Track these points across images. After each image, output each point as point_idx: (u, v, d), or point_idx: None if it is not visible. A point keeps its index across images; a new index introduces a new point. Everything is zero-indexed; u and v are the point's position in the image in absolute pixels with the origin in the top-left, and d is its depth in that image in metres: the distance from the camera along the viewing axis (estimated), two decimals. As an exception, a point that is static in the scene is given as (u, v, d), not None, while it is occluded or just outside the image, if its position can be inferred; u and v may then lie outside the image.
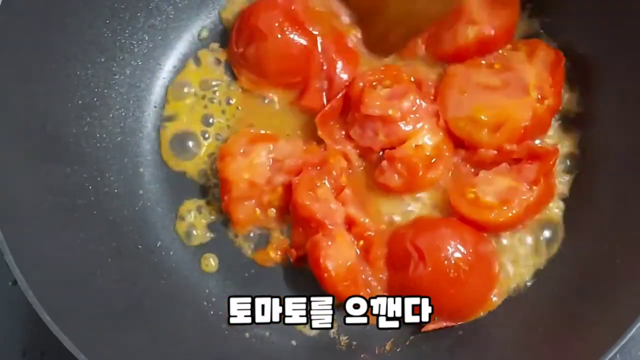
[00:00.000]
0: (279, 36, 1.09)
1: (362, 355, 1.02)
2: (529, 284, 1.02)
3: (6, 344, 1.09)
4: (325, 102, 1.10)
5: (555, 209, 1.04)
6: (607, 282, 0.91)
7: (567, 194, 1.04)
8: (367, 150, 1.07)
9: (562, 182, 1.04)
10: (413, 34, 1.10)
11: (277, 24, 1.09)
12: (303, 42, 1.09)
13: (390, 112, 1.03)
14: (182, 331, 1.00)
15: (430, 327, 0.99)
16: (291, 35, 1.09)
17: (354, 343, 1.03)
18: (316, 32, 1.10)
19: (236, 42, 1.13)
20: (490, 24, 1.05)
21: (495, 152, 1.02)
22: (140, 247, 1.06)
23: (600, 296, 0.90)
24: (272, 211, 1.08)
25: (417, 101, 1.04)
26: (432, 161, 1.04)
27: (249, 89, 1.14)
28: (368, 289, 1.01)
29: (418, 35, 1.09)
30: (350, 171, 1.08)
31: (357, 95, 1.05)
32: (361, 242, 1.03)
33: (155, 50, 1.15)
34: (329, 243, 1.00)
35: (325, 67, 1.10)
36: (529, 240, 1.03)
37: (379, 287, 1.02)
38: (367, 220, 1.04)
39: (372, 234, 1.03)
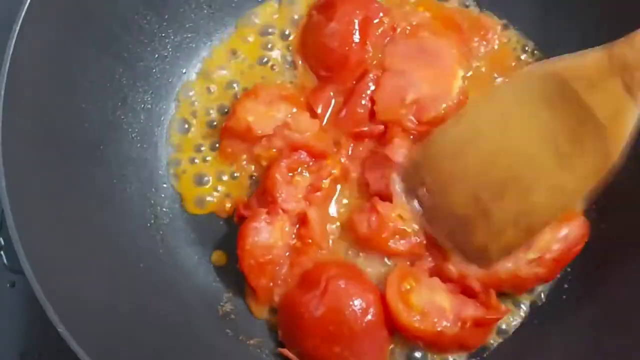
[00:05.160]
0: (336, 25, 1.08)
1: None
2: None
3: (4, 346, 1.09)
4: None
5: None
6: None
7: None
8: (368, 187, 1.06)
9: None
10: (523, 241, 0.93)
11: (349, 16, 1.08)
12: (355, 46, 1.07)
13: None
14: (188, 334, 1.00)
15: None
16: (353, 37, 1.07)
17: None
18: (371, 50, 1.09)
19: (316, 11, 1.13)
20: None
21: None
22: (146, 249, 1.06)
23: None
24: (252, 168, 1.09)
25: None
26: (397, 237, 1.01)
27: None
28: (271, 283, 1.01)
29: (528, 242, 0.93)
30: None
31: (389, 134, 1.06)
32: (298, 244, 1.02)
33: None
34: (267, 222, 1.00)
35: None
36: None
37: (283, 287, 1.02)
38: (317, 229, 1.02)
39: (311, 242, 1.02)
